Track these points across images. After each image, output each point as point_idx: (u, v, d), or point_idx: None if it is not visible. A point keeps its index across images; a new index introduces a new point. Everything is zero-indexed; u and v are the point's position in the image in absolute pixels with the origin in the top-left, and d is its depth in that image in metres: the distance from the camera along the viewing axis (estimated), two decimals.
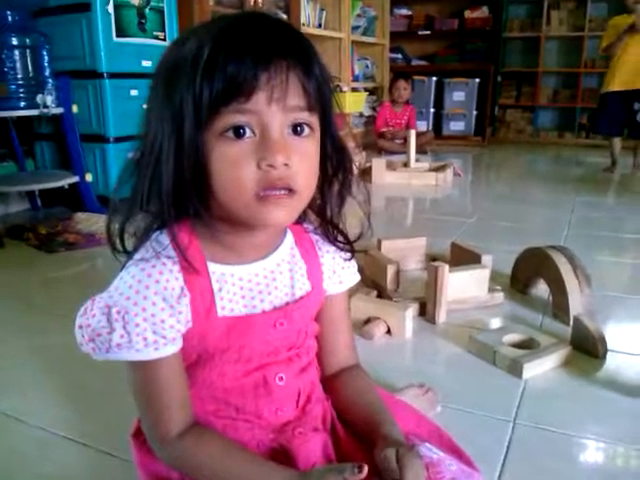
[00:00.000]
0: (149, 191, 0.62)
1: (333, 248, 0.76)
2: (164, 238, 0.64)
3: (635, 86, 3.69)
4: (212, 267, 0.65)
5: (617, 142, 3.94)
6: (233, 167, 0.58)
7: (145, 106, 0.64)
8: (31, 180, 2.58)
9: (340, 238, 0.75)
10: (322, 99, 0.62)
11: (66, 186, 2.55)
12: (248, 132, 0.58)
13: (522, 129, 6.04)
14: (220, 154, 0.58)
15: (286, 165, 0.58)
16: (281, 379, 0.70)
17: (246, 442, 0.68)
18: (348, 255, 0.77)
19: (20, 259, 2.07)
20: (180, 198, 0.61)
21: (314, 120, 0.62)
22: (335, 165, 0.69)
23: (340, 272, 0.78)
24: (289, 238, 0.73)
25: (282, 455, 0.68)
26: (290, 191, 0.60)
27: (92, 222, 2.37)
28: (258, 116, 0.58)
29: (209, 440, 0.65)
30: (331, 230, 0.74)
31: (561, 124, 5.96)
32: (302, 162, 0.60)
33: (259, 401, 0.70)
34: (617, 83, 3.77)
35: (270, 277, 0.69)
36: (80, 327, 0.64)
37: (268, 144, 0.58)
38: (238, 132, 0.58)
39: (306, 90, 0.59)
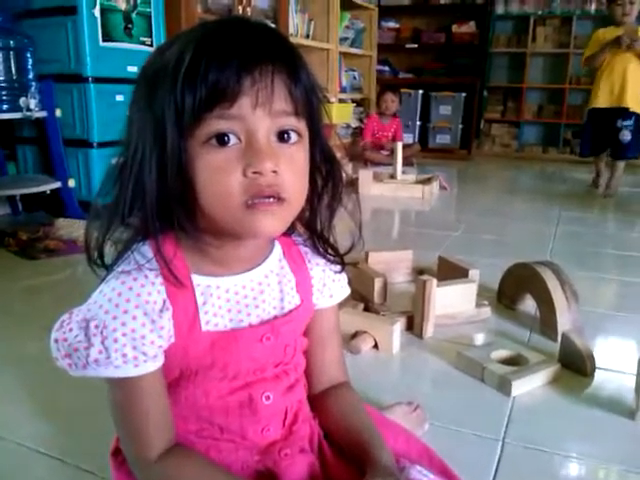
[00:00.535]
0: (132, 202, 0.59)
1: (323, 261, 0.73)
2: (147, 250, 0.61)
3: (620, 103, 3.51)
4: (197, 279, 0.63)
5: (602, 156, 3.81)
6: (218, 175, 0.55)
7: (127, 114, 0.62)
8: (12, 185, 2.52)
9: (330, 251, 0.73)
10: (309, 105, 0.60)
11: (48, 191, 2.50)
12: (233, 139, 0.56)
13: (507, 144, 6.07)
14: (204, 162, 0.56)
15: (274, 172, 0.56)
16: (268, 398, 0.68)
17: (230, 464, 0.65)
18: (338, 268, 0.75)
19: None
20: (164, 209, 0.58)
21: (302, 126, 0.60)
22: (325, 176, 0.67)
23: (330, 285, 0.75)
24: (277, 250, 0.70)
25: (268, 478, 0.65)
26: (279, 199, 0.57)
27: (74, 228, 2.32)
28: (243, 122, 0.55)
29: (191, 464, 0.62)
30: (321, 242, 0.72)
31: (546, 139, 6.01)
32: (291, 169, 0.58)
33: (244, 420, 0.67)
34: (601, 100, 3.59)
35: (258, 289, 0.67)
36: (56, 341, 0.61)
37: (255, 150, 0.55)
38: (222, 139, 0.55)
39: (292, 95, 0.57)
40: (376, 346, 1.35)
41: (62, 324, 0.61)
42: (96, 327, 0.58)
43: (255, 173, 0.55)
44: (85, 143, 2.53)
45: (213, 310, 0.63)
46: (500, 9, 5.80)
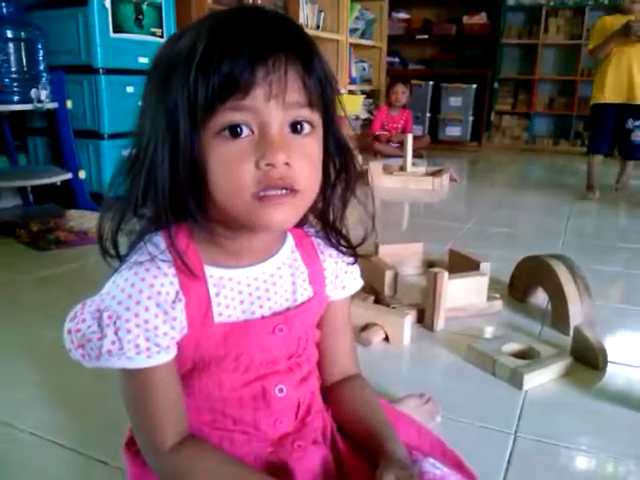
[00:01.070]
0: (144, 193, 0.59)
1: (335, 252, 0.73)
2: (160, 240, 0.61)
3: (630, 99, 3.14)
4: (209, 271, 0.62)
5: (598, 160, 3.35)
6: (231, 167, 0.55)
7: (139, 104, 0.61)
8: (23, 176, 2.53)
9: (343, 242, 0.72)
10: (324, 95, 0.59)
11: (58, 182, 2.51)
12: (246, 130, 0.55)
13: (518, 136, 6.04)
14: (217, 154, 0.55)
15: (287, 164, 0.56)
16: (281, 390, 0.68)
17: (243, 455, 0.65)
18: (351, 259, 0.74)
19: (11, 256, 2.03)
20: (176, 200, 0.58)
21: (315, 118, 0.59)
22: (338, 166, 0.66)
23: (343, 277, 0.75)
24: (290, 241, 0.70)
25: (280, 470, 0.65)
26: (292, 191, 0.57)
27: (84, 220, 2.33)
28: (256, 113, 0.55)
29: (205, 454, 0.62)
30: (333, 234, 0.71)
31: (557, 132, 5.96)
32: (304, 161, 0.57)
33: (257, 412, 0.67)
34: (608, 94, 3.19)
35: (270, 281, 0.66)
36: (69, 332, 0.61)
37: (267, 142, 0.55)
38: (235, 131, 0.55)
39: (306, 85, 0.57)
40: (387, 338, 1.35)
41: (75, 315, 0.61)
42: (109, 318, 0.58)
43: (268, 165, 0.55)
44: (96, 134, 2.54)
45: (226, 302, 0.63)
46: (512, 0, 5.74)
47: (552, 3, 5.64)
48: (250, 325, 0.64)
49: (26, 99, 2.35)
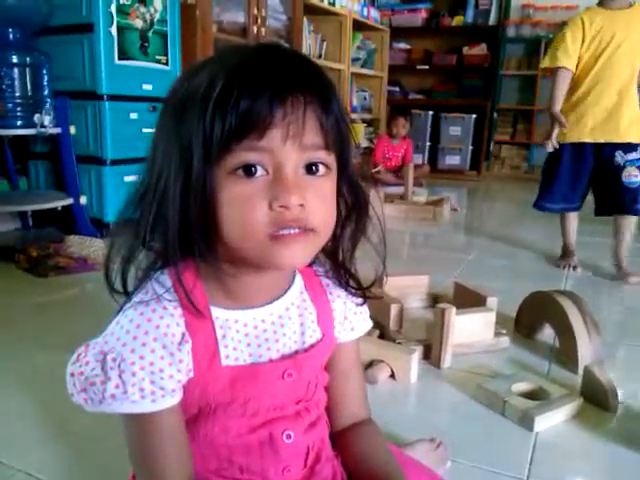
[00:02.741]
0: (153, 230, 0.57)
1: (344, 292, 0.70)
2: (165, 279, 0.59)
3: (611, 137, 2.28)
4: (216, 312, 0.60)
5: (573, 220, 2.55)
6: (244, 207, 0.53)
7: (152, 138, 0.60)
8: (24, 200, 2.51)
9: (352, 282, 0.70)
10: (340, 137, 0.58)
11: (59, 207, 2.49)
12: (260, 170, 0.54)
13: (517, 165, 6.05)
14: (230, 193, 0.53)
15: (301, 206, 0.54)
16: (289, 436, 0.65)
17: None
18: (360, 300, 0.72)
19: (9, 282, 2.01)
20: (185, 237, 0.56)
21: (331, 159, 0.58)
22: (350, 205, 0.64)
23: (352, 318, 0.72)
24: (298, 281, 0.68)
25: None
26: (306, 230, 0.55)
27: (85, 246, 2.31)
28: (272, 154, 0.53)
29: None
30: (343, 273, 0.69)
31: None
32: (318, 201, 0.56)
33: (265, 460, 0.64)
34: (582, 131, 2.31)
35: (278, 323, 0.64)
36: (72, 375, 0.58)
37: (282, 184, 0.53)
38: (249, 170, 0.53)
39: (323, 127, 0.55)
40: (393, 375, 1.32)
41: (78, 357, 0.59)
42: (113, 360, 0.56)
43: (281, 207, 0.53)
44: (98, 160, 2.53)
45: (233, 344, 0.61)
46: (511, 32, 5.81)
47: (551, 35, 5.70)
48: (258, 370, 0.62)
49: (29, 124, 2.34)
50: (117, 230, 0.61)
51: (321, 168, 0.57)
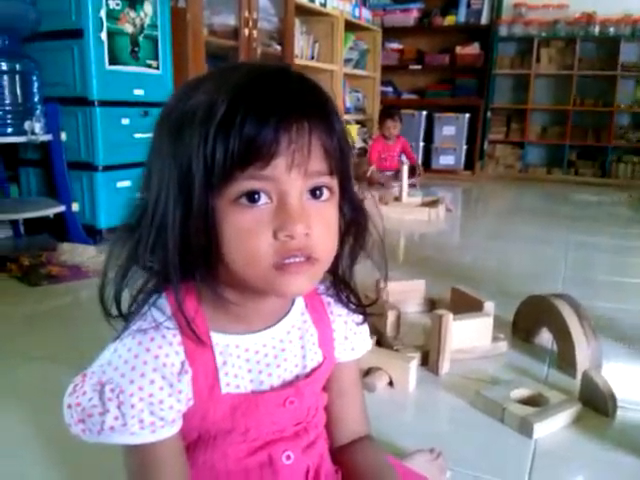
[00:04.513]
0: (151, 252, 0.55)
1: (345, 311, 0.69)
2: (164, 304, 0.57)
3: None
4: (216, 338, 0.58)
5: None
6: (247, 237, 0.52)
7: (147, 158, 0.58)
8: (15, 208, 2.49)
9: (352, 299, 0.69)
10: (343, 159, 0.56)
11: (51, 215, 2.47)
12: (264, 198, 0.52)
13: (511, 164, 6.06)
14: (233, 222, 0.52)
15: (306, 235, 0.53)
16: (288, 457, 0.63)
17: None
18: (360, 319, 0.70)
19: (1, 291, 1.98)
20: (185, 262, 0.54)
21: (334, 184, 0.56)
22: (349, 222, 0.63)
23: (352, 338, 0.71)
24: (299, 302, 0.66)
25: None
26: (310, 259, 0.54)
27: (77, 253, 2.28)
28: (276, 183, 0.52)
29: None
30: (343, 289, 0.68)
31: (550, 161, 5.99)
32: (322, 229, 0.54)
33: None
34: None
35: (279, 347, 0.62)
36: (69, 407, 0.56)
37: (286, 213, 0.52)
38: (253, 198, 0.52)
39: (328, 153, 0.54)
40: (391, 383, 1.31)
41: (75, 389, 0.57)
42: (112, 391, 0.54)
43: (287, 236, 0.52)
44: (90, 166, 2.51)
45: (233, 371, 0.59)
46: (504, 31, 5.82)
47: (544, 34, 5.72)
48: (259, 398, 0.60)
49: (20, 131, 2.32)
50: (113, 250, 0.59)
51: (325, 192, 0.55)
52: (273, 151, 0.50)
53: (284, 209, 0.52)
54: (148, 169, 0.57)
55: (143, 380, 0.54)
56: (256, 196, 0.52)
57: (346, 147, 0.57)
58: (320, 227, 0.54)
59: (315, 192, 0.54)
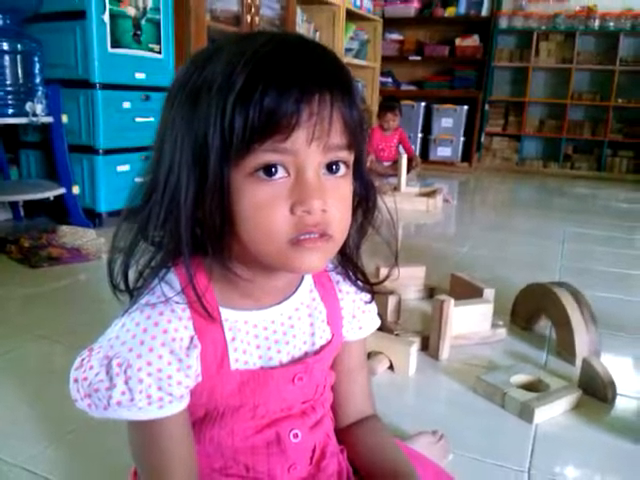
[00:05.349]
0: (162, 229, 0.54)
1: (353, 289, 0.69)
2: (173, 279, 0.57)
3: None
4: (225, 313, 0.58)
5: None
6: (264, 211, 0.51)
7: (157, 130, 0.56)
8: (15, 190, 2.48)
9: (360, 277, 0.68)
10: (361, 134, 0.55)
11: (51, 197, 2.46)
12: (281, 171, 0.51)
13: (508, 157, 6.07)
14: (250, 196, 0.51)
15: (323, 211, 0.52)
16: (296, 436, 0.64)
17: None
18: (368, 297, 0.70)
19: (1, 273, 1.98)
20: (196, 238, 0.54)
21: (351, 159, 0.56)
22: (359, 198, 0.62)
23: (360, 317, 0.71)
24: (308, 279, 0.66)
25: None
26: (325, 235, 0.53)
27: (77, 236, 2.28)
28: (295, 156, 0.51)
29: None
30: (351, 267, 0.68)
31: (546, 154, 6.01)
32: (338, 206, 0.54)
33: (271, 459, 0.63)
34: None
35: (288, 324, 0.62)
36: (75, 381, 0.56)
37: (305, 188, 0.51)
38: (270, 171, 0.51)
39: (348, 127, 0.53)
40: (391, 367, 1.32)
41: (82, 362, 0.56)
42: (119, 366, 0.54)
43: (304, 212, 0.51)
44: (91, 149, 2.50)
45: (242, 347, 0.59)
46: (504, 23, 5.81)
47: (543, 27, 5.71)
48: (268, 374, 0.60)
49: (21, 112, 2.31)
50: (121, 226, 0.58)
51: (342, 168, 0.55)
52: (294, 123, 0.49)
53: (302, 184, 0.51)
54: (160, 142, 0.55)
55: (151, 355, 0.54)
56: (273, 169, 0.51)
57: (363, 120, 0.56)
58: (336, 203, 0.53)
59: (332, 167, 0.54)
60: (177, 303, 0.56)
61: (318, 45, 0.54)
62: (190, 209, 0.52)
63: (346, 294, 0.69)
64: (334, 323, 0.67)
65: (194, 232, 0.54)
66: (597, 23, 5.53)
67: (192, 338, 0.56)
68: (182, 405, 0.57)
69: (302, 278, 0.66)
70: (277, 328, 0.61)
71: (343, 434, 0.73)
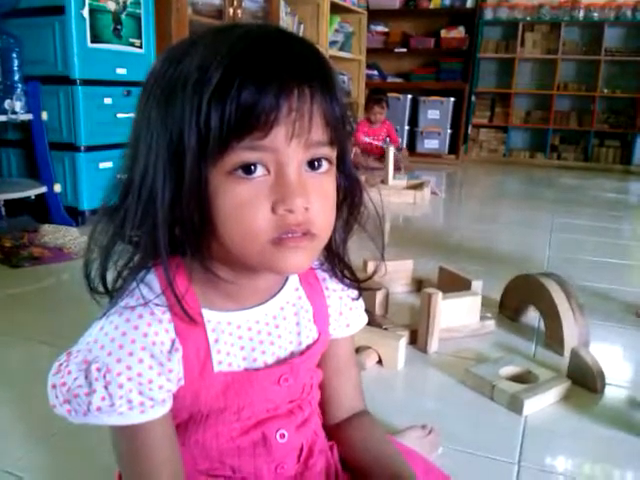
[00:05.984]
0: (139, 227, 0.52)
1: (340, 286, 0.67)
2: (153, 280, 0.54)
3: None
4: (207, 315, 0.56)
5: None
6: (244, 211, 0.49)
7: (132, 128, 0.54)
8: None
9: (347, 273, 0.67)
10: (343, 129, 0.53)
11: (32, 196, 2.42)
12: (261, 169, 0.49)
13: (495, 149, 6.08)
14: (229, 195, 0.49)
15: (306, 209, 0.50)
16: (282, 436, 0.62)
17: None
18: (356, 294, 0.69)
19: None
20: (174, 239, 0.52)
21: (334, 155, 0.54)
22: (344, 193, 0.60)
23: (347, 314, 0.69)
24: (293, 277, 0.64)
25: None
26: (308, 234, 0.51)
27: (59, 235, 2.24)
28: (275, 154, 0.49)
29: None
30: (337, 263, 0.66)
31: (533, 145, 6.02)
32: (321, 203, 0.52)
33: (258, 460, 0.61)
34: None
35: (273, 324, 0.60)
36: (54, 387, 0.54)
37: (286, 186, 0.49)
38: (249, 169, 0.48)
39: (329, 123, 0.51)
40: (380, 361, 1.30)
41: (60, 368, 0.54)
42: (98, 370, 0.52)
43: (286, 210, 0.49)
44: (72, 147, 2.46)
45: (226, 348, 0.57)
46: (489, 15, 5.81)
47: (528, 18, 5.72)
48: (252, 376, 0.58)
49: (0, 110, 2.26)
50: (97, 227, 0.56)
51: (324, 164, 0.52)
52: (273, 120, 0.47)
53: (283, 182, 0.49)
54: (134, 140, 0.53)
55: (131, 359, 0.52)
56: (252, 167, 0.49)
57: (345, 115, 0.54)
58: (319, 201, 0.51)
59: (314, 163, 0.52)
60: (157, 305, 0.54)
61: (297, 38, 0.52)
62: (167, 210, 0.50)
63: (333, 291, 0.67)
64: (321, 322, 0.65)
65: (173, 232, 0.52)
66: (582, 14, 5.54)
67: (173, 341, 0.54)
68: (164, 409, 0.55)
69: (287, 276, 0.64)
70: (262, 328, 0.60)
71: (334, 431, 0.71)
